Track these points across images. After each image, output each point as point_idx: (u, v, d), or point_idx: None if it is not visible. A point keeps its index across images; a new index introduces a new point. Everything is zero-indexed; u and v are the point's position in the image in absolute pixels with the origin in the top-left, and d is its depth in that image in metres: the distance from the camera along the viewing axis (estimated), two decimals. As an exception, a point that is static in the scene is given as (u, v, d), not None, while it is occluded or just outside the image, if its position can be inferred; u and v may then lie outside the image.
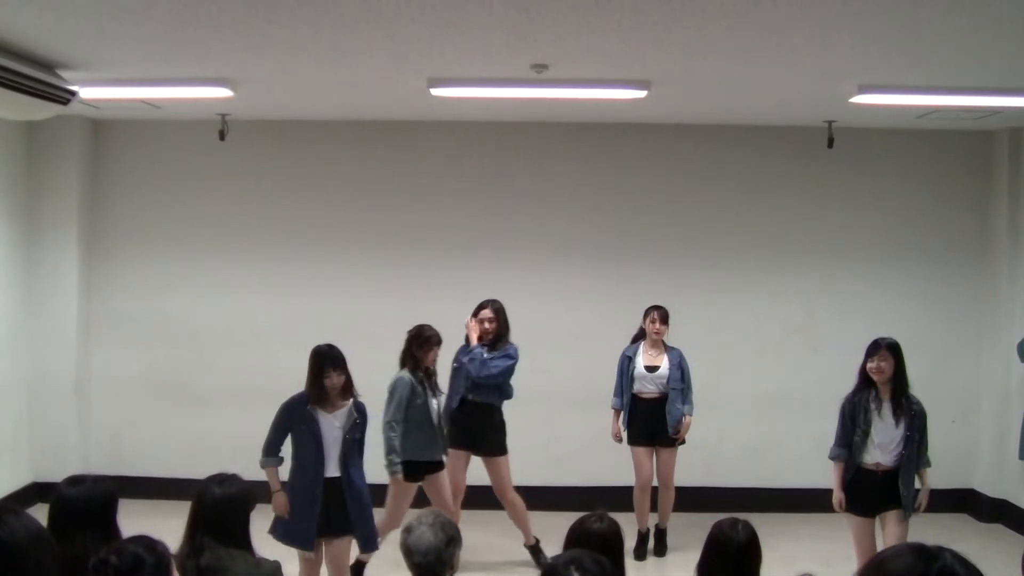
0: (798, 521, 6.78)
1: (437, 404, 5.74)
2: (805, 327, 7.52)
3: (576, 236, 7.49)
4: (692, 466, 7.13)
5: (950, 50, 4.70)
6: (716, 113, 6.96)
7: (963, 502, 7.45)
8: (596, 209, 7.51)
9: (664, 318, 6.35)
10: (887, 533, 5.09)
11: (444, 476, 5.88)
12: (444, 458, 5.88)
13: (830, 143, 6.94)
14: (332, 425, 4.88)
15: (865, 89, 5.61)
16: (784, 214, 7.52)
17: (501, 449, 6.11)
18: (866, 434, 5.07)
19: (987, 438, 7.39)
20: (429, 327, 5.73)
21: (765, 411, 7.49)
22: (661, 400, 6.30)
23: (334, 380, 4.82)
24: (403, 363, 5.72)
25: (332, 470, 4.86)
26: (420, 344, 5.66)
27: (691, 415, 6.32)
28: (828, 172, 7.45)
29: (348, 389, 4.91)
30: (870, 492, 5.09)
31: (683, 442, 6.38)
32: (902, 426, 5.03)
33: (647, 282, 7.33)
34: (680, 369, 6.31)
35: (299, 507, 4.85)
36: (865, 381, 5.13)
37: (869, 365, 5.07)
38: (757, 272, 7.52)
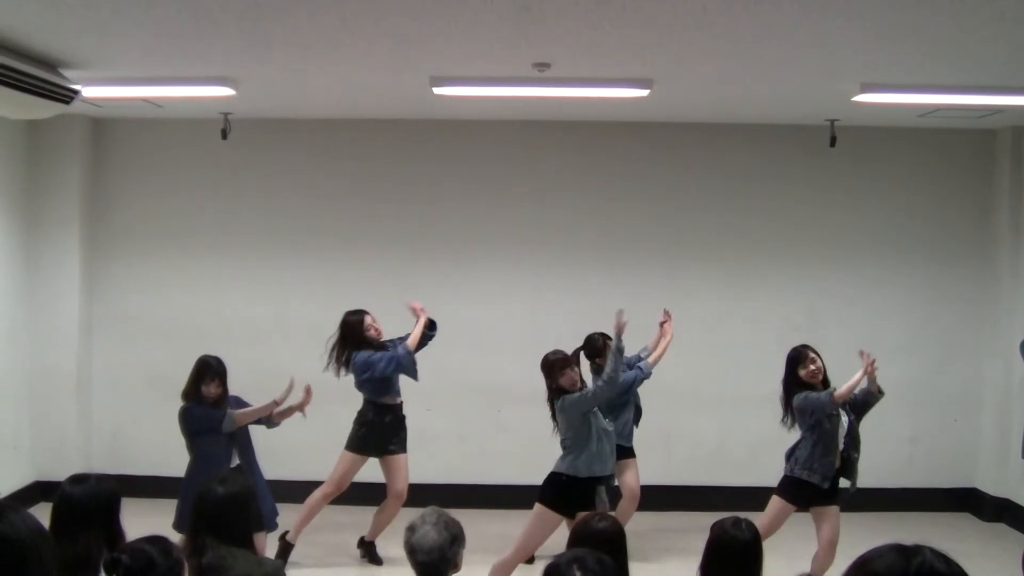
0: (799, 521, 6.76)
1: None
2: (806, 326, 7.50)
3: (577, 235, 7.48)
4: (693, 466, 7.13)
5: (952, 49, 4.70)
6: (718, 112, 6.95)
7: (965, 501, 7.45)
8: (597, 207, 7.50)
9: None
10: (824, 527, 5.44)
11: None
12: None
13: (832, 142, 6.93)
14: None
15: (867, 88, 5.61)
16: (786, 213, 7.51)
17: (403, 447, 6.07)
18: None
19: (989, 437, 7.38)
20: (553, 351, 5.46)
21: (766, 410, 7.41)
22: None
23: (211, 389, 5.31)
24: None
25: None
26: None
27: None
28: (830, 171, 7.44)
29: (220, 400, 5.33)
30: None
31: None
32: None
33: (648, 280, 7.33)
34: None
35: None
36: (799, 387, 5.39)
37: (804, 371, 5.40)
38: (758, 271, 7.51)
